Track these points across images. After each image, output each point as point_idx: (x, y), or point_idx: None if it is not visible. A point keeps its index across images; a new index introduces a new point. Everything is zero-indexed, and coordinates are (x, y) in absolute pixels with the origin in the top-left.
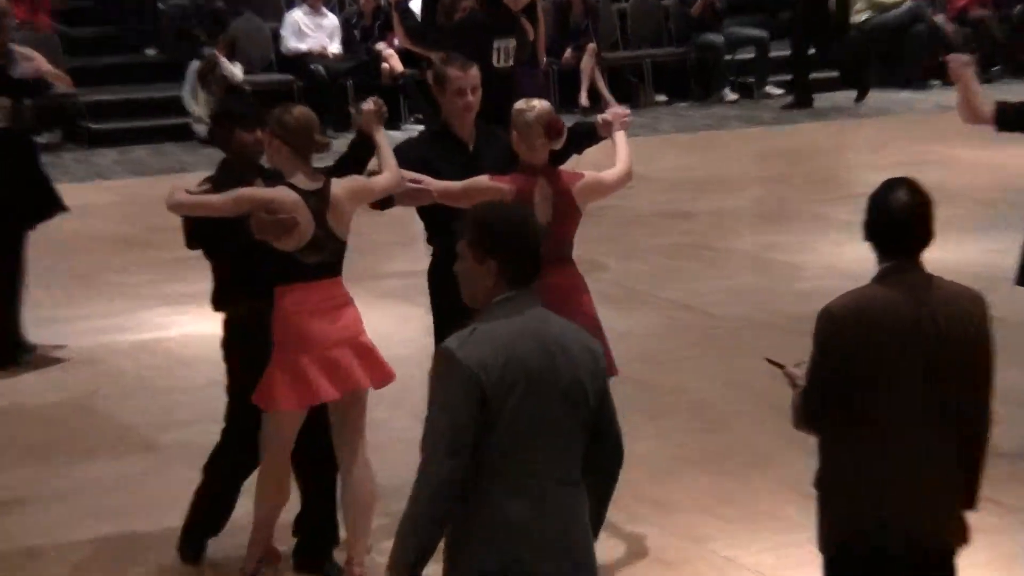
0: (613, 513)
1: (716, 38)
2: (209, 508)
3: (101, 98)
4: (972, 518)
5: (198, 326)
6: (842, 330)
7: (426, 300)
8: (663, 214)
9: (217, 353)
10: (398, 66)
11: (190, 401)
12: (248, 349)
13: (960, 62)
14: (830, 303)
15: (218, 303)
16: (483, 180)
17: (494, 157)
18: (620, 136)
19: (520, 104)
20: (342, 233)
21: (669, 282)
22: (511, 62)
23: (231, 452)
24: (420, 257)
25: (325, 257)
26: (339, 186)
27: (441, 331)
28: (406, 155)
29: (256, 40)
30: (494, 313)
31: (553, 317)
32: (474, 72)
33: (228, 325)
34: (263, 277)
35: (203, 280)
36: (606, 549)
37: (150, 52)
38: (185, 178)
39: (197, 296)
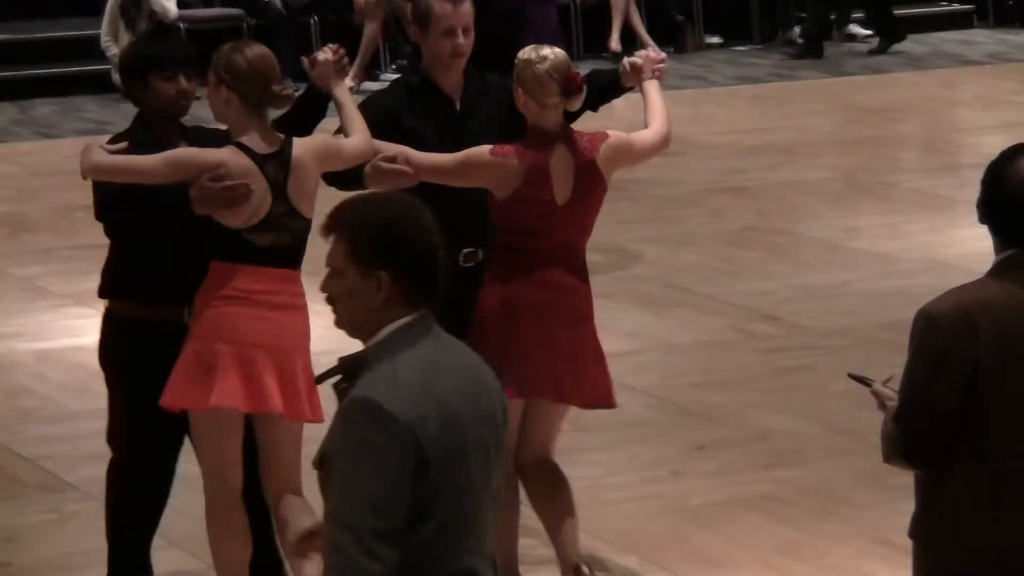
0: (653, 570)
1: None
2: (125, 571)
3: None
4: None
5: None
6: (947, 338)
7: None
8: (717, 190)
9: None
10: None
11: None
12: (134, 355)
13: None
14: (930, 304)
15: (106, 288)
16: (483, 153)
17: (487, 117)
18: (652, 87)
19: (528, 53)
20: (306, 208)
21: (724, 278)
22: None
23: (124, 491)
24: None
25: (282, 239)
26: (303, 147)
27: None
28: (371, 116)
29: None
30: (396, 345)
31: (455, 343)
32: (467, 8)
33: (111, 320)
34: (173, 273)
35: None
36: None
37: None
38: (101, 139)
39: None
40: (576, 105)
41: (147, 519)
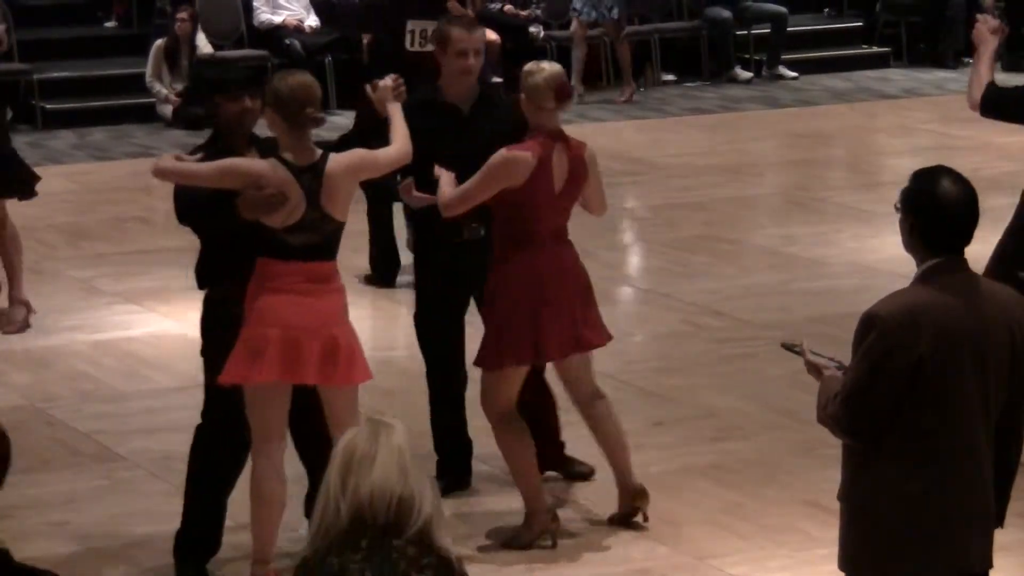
0: (617, 528)
1: (724, 12)
2: (198, 523)
3: (55, 75)
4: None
5: (162, 325)
6: (893, 336)
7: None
8: (672, 204)
9: (183, 355)
10: None
11: (153, 407)
12: (222, 331)
13: (990, 26)
14: (876, 308)
15: (201, 279)
16: (500, 156)
17: (492, 122)
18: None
19: (530, 66)
20: (338, 213)
21: (679, 279)
22: (430, 47)
23: (207, 450)
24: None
25: (314, 238)
26: (336, 162)
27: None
28: None
29: (224, 11)
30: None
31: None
32: (479, 35)
33: (206, 303)
34: (250, 258)
35: (167, 275)
36: (608, 567)
37: (109, 24)
38: (148, 163)
39: (161, 292)
40: (567, 108)
41: (222, 479)
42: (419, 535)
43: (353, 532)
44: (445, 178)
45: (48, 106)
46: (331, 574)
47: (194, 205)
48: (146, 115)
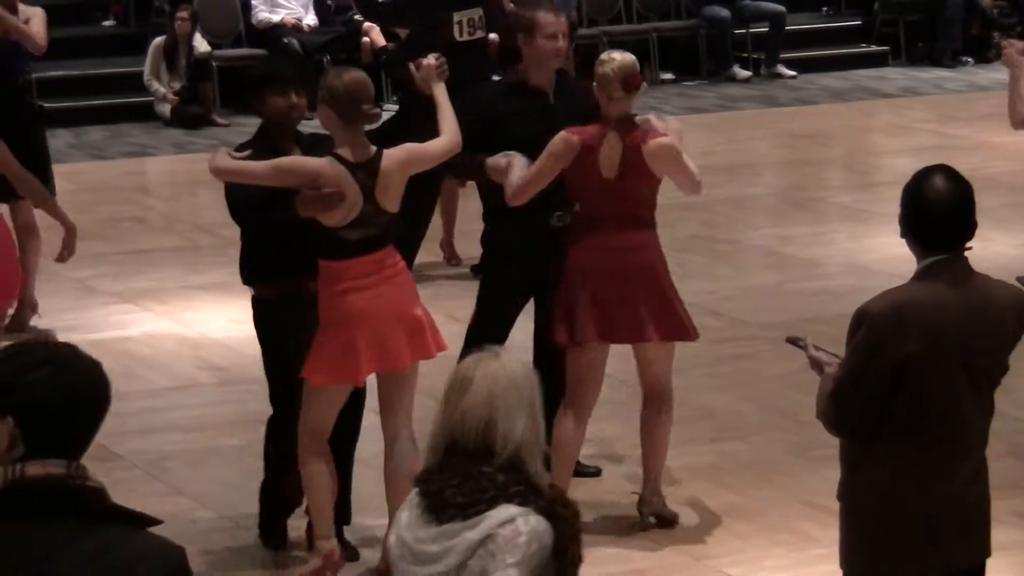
0: (615, 527)
1: (722, 11)
2: (277, 508)
3: (53, 73)
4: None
5: (159, 325)
6: (881, 333)
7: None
8: (669, 204)
9: (179, 354)
10: (380, 40)
11: (150, 407)
12: (274, 329)
13: (1017, 48)
14: (868, 304)
15: (248, 278)
16: (558, 137)
17: (571, 105)
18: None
19: (603, 55)
20: (390, 206)
21: (676, 279)
22: (479, 33)
23: (277, 436)
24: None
25: (370, 231)
26: (390, 158)
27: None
28: (477, 110)
29: (223, 10)
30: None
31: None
32: (563, 17)
33: (256, 304)
34: (302, 257)
35: (163, 275)
36: (606, 567)
37: (107, 23)
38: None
39: (157, 292)
40: (636, 99)
41: (284, 468)
42: (509, 462)
43: (450, 455)
44: (517, 162)
45: (46, 105)
46: (429, 494)
47: (248, 202)
48: (144, 114)
